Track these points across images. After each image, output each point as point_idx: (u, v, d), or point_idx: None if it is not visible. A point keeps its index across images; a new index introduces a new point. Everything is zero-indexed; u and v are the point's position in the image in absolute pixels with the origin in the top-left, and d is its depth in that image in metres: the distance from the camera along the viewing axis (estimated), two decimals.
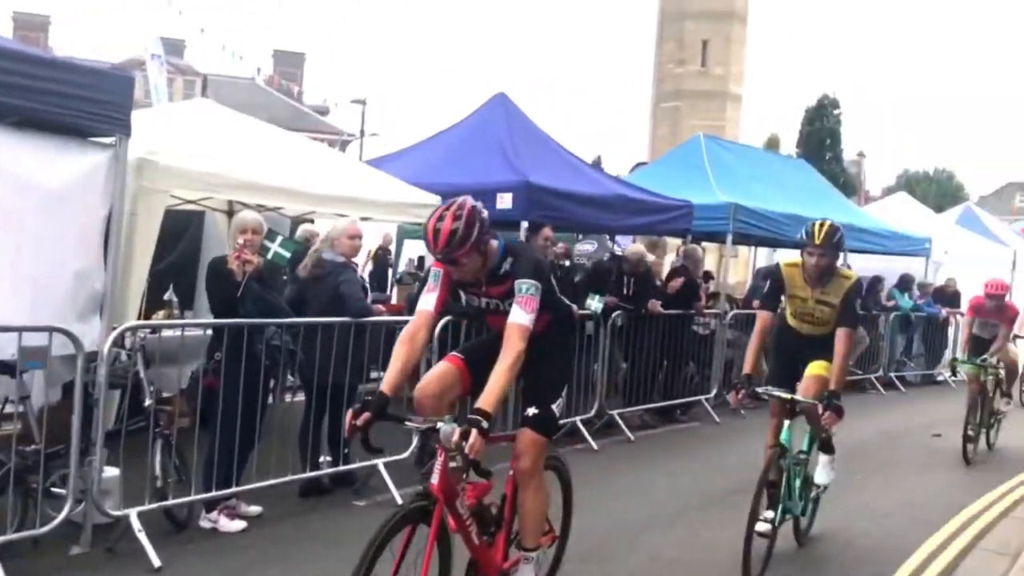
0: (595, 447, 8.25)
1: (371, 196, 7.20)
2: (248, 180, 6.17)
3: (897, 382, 14.19)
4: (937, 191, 65.71)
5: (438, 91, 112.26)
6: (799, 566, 5.53)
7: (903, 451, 9.36)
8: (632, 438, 8.78)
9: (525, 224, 8.25)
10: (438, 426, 3.43)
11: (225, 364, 5.34)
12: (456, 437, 3.35)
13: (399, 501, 6.10)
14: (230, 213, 8.39)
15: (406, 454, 6.68)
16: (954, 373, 11.27)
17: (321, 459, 6.24)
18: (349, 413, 3.54)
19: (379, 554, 3.28)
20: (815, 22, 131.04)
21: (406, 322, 7.01)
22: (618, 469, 7.70)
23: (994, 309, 9.06)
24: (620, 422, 8.91)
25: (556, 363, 4.12)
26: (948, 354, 14.92)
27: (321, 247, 6.19)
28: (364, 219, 6.99)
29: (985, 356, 9.05)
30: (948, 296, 15.34)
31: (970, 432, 8.85)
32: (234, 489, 5.54)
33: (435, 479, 3.50)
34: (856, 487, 7.57)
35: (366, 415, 3.48)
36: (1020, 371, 11.56)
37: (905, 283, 14.82)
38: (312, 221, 8.40)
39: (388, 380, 3.67)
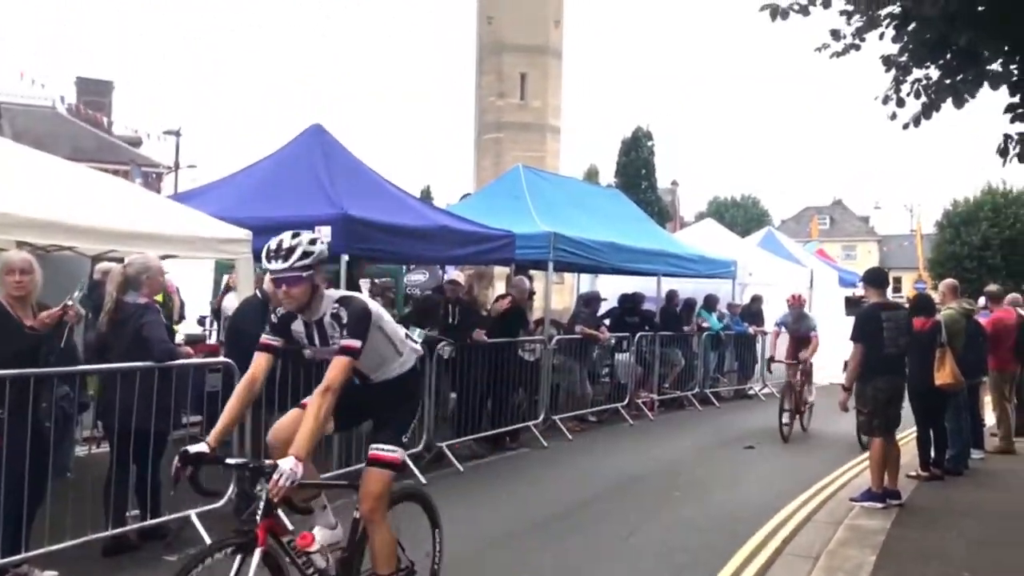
0: (424, 481, 8.15)
1: (175, 232, 6.82)
2: (36, 218, 5.70)
3: (712, 398, 14.96)
4: (744, 216, 70.60)
5: (258, 122, 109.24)
6: None
7: (719, 464, 9.85)
8: (462, 469, 8.75)
9: (346, 257, 8.10)
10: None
11: (9, 419, 4.88)
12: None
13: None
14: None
15: (222, 502, 6.32)
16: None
17: (128, 513, 5.81)
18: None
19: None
20: (629, 58, 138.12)
21: (222, 365, 6.85)
22: (446, 501, 7.55)
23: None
24: (449, 454, 8.87)
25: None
26: (758, 368, 16.03)
27: (116, 289, 5.79)
28: (165, 257, 6.62)
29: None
30: (754, 314, 16.40)
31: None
32: (25, 554, 5.06)
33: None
34: (674, 503, 7.89)
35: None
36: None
37: (710, 303, 15.72)
38: (120, 260, 7.89)
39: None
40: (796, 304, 12.47)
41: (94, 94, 44.62)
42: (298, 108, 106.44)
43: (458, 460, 8.87)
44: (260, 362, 3.93)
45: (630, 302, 13.84)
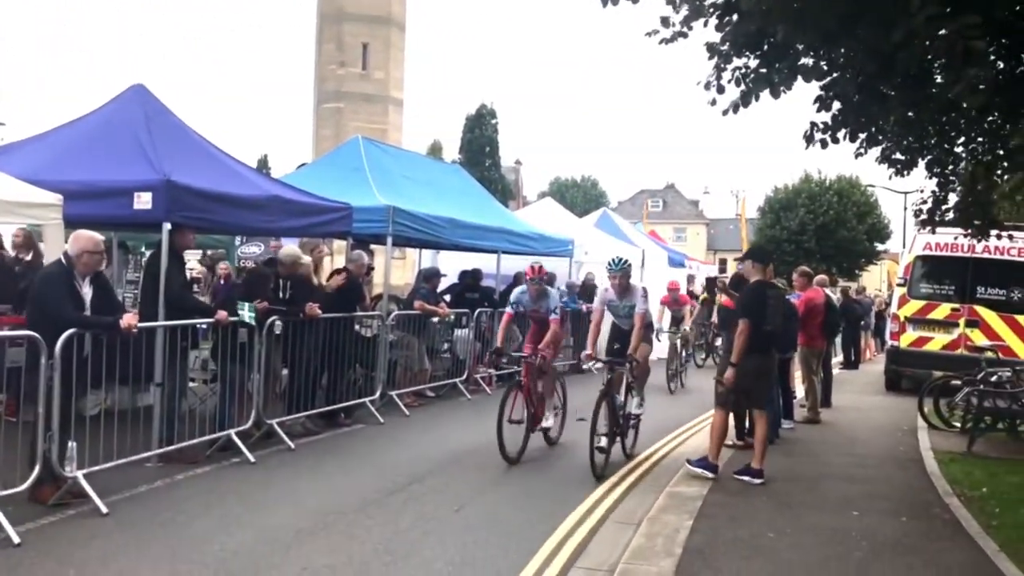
0: (252, 459, 7.90)
1: None
2: None
3: None
4: (584, 197, 72.65)
5: (77, 82, 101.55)
6: (452, 546, 5.69)
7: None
8: (293, 446, 8.53)
9: (168, 226, 7.66)
10: None
11: None
12: None
13: (15, 540, 5.37)
14: None
15: (24, 486, 5.88)
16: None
17: None
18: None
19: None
20: (474, 34, 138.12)
21: (20, 338, 6.31)
22: (275, 480, 7.44)
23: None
24: (279, 431, 8.63)
25: None
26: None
27: None
28: None
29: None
30: (588, 291, 16.86)
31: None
32: None
33: None
34: (508, 474, 8.03)
35: None
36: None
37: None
38: None
39: None
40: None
41: None
42: (120, 73, 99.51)
43: (290, 437, 8.65)
44: None
45: (470, 278, 13.92)
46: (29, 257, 9.86)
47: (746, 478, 7.70)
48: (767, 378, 8.03)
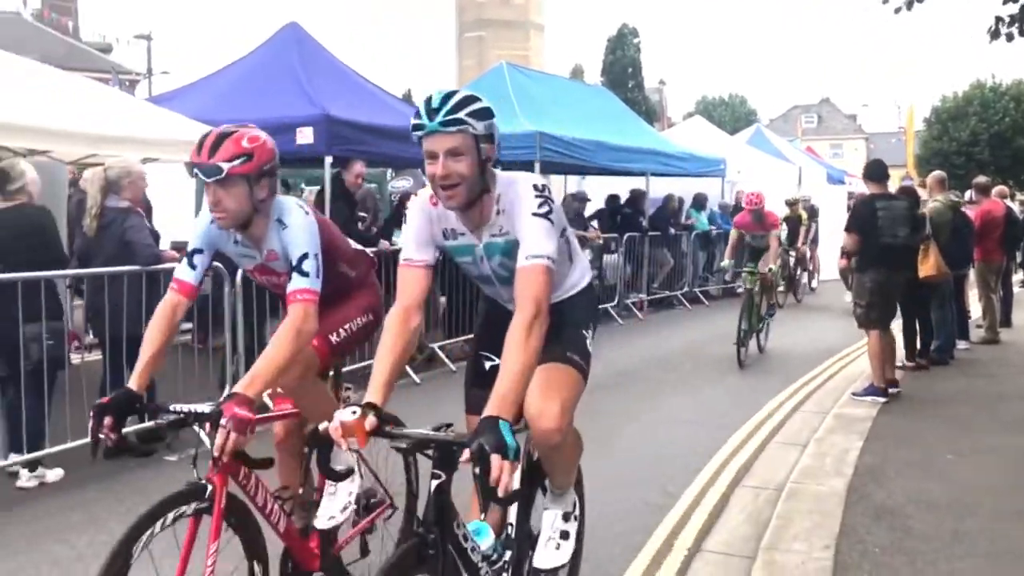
0: (417, 380, 8.25)
1: (154, 135, 6.67)
2: (8, 122, 5.53)
3: (701, 296, 15.07)
4: (732, 115, 69.83)
5: (232, 24, 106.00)
6: (607, 478, 5.77)
7: (708, 361, 9.96)
8: (455, 369, 8.83)
9: (329, 159, 7.96)
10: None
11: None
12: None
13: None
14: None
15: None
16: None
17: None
18: None
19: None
20: None
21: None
22: (441, 399, 7.71)
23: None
24: (441, 354, 8.93)
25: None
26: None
27: (99, 193, 5.69)
28: (148, 160, 6.49)
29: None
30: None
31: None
32: (28, 455, 5.16)
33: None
34: (665, 397, 8.02)
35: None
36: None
37: (699, 202, 15.68)
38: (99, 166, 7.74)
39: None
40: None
41: None
42: (269, 11, 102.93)
43: (450, 360, 8.94)
44: None
45: (629, 203, 13.78)
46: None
47: (869, 398, 7.41)
48: (889, 295, 7.60)
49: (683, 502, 5.20)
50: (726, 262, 10.84)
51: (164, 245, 6.88)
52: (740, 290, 15.19)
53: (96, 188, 5.70)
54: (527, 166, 11.96)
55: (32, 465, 5.28)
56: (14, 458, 5.20)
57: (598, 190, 15.08)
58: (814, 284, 17.50)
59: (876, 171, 8.03)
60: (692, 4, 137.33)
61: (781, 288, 13.29)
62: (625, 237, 12.90)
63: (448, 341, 9.28)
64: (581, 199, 12.91)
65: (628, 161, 13.27)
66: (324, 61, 9.23)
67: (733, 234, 10.95)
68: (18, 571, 4.17)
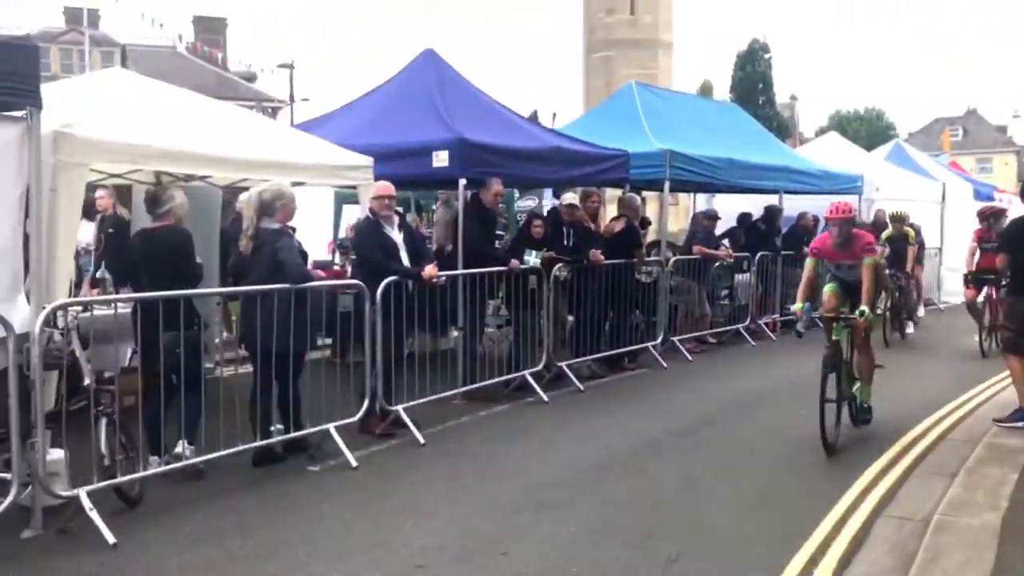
0: (545, 399, 8.32)
1: (302, 160, 7.04)
2: (173, 149, 5.95)
3: None
4: (868, 130, 67.15)
5: (368, 51, 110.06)
6: (742, 500, 5.65)
7: None
8: (582, 388, 8.86)
9: (463, 181, 8.19)
10: None
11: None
12: None
13: (353, 463, 6.10)
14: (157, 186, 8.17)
15: (356, 417, 6.66)
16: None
17: (272, 427, 6.18)
18: None
19: None
20: None
21: (349, 286, 7.14)
22: (569, 418, 7.79)
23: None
24: (569, 373, 8.98)
25: None
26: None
27: (254, 214, 6.06)
28: (296, 184, 6.85)
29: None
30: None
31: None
32: (184, 462, 5.52)
33: None
34: (800, 420, 7.79)
35: None
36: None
37: None
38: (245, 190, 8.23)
39: None
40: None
41: (210, 31, 45.97)
42: (403, 38, 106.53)
43: (578, 380, 8.98)
44: None
45: (764, 219, 13.49)
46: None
47: (1014, 424, 6.99)
48: None
49: (821, 530, 5.04)
50: (797, 305, 6.93)
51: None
52: (880, 311, 14.60)
53: (252, 210, 6.07)
54: (655, 185, 11.95)
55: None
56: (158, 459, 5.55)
57: (729, 208, 14.80)
58: (920, 313, 14.45)
59: None
60: (824, 17, 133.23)
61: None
62: (757, 256, 12.62)
63: (576, 360, 9.31)
64: (711, 217, 12.72)
65: (759, 179, 12.98)
66: (459, 85, 9.51)
67: (808, 265, 7.25)
68: (178, 570, 4.46)
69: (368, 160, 7.64)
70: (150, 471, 5.34)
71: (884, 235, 12.63)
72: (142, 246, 6.00)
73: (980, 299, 10.84)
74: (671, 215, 14.77)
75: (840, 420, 6.72)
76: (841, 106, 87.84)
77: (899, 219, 12.89)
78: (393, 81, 9.83)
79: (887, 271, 11.59)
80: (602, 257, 9.31)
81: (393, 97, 9.42)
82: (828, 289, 7.23)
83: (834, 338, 6.68)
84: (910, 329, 13.12)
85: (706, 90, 51.41)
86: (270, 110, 39.01)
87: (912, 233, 13.12)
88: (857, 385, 7.13)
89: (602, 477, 6.07)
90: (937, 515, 5.08)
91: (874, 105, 73.71)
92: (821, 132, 49.39)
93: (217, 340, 7.30)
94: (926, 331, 13.70)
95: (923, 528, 4.90)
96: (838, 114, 74.71)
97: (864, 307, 6.65)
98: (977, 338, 11.09)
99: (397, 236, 7.15)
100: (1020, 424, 7.00)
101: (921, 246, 14.34)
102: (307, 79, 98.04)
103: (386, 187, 7.18)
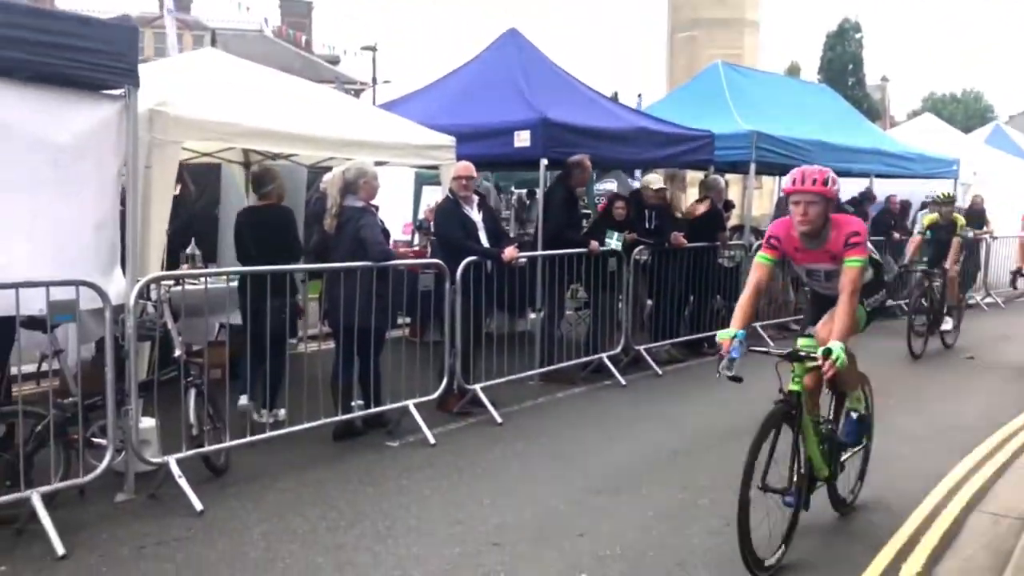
0: (623, 382, 8.26)
1: (386, 139, 7.11)
2: (262, 128, 6.11)
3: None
4: (964, 112, 64.36)
5: (449, 33, 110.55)
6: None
7: (935, 375, 9.27)
8: (660, 372, 8.76)
9: (545, 161, 8.14)
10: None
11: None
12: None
13: (431, 440, 6.16)
14: (247, 164, 8.37)
15: (435, 395, 6.73)
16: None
17: (353, 402, 6.28)
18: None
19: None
20: None
21: (429, 265, 7.20)
22: (647, 401, 7.71)
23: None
24: (647, 357, 8.88)
25: None
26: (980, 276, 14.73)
27: (338, 193, 6.15)
28: (379, 163, 6.91)
29: None
30: (976, 215, 15.02)
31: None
32: (269, 434, 5.66)
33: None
34: (889, 411, 7.52)
35: None
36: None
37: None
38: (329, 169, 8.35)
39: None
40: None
41: (295, 15, 46.85)
42: (487, 20, 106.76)
43: (656, 364, 8.87)
44: None
45: (852, 203, 13.06)
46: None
47: None
48: None
49: (910, 524, 4.87)
50: (725, 332, 4.50)
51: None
52: (973, 301, 13.92)
53: (336, 189, 6.16)
54: (739, 168, 11.68)
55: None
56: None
57: None
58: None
59: None
60: None
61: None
62: None
63: (654, 344, 9.20)
64: None
65: (849, 161, 12.54)
66: (542, 65, 9.45)
67: (758, 266, 4.67)
68: (262, 538, 4.58)
69: (450, 140, 7.66)
70: (243, 440, 5.51)
71: (926, 221, 10.62)
72: (248, 222, 6.41)
73: None
74: (755, 198, 14.41)
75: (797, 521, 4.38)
76: (935, 88, 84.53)
77: (947, 202, 10.60)
78: (476, 61, 9.83)
79: (924, 269, 10.33)
80: (684, 240, 9.16)
81: (476, 77, 9.42)
82: None
83: (792, 388, 4.49)
84: (947, 325, 10.79)
85: (794, 71, 50.06)
86: (353, 92, 39.55)
87: (962, 221, 10.81)
88: (846, 455, 4.99)
89: (680, 462, 5.99)
90: None
91: (972, 86, 70.46)
92: (914, 115, 47.60)
93: (302, 318, 7.45)
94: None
95: (1021, 525, 4.69)
96: (932, 96, 71.87)
97: (835, 344, 4.16)
98: None
99: (477, 216, 7.16)
100: None
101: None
102: (389, 62, 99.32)
103: (466, 167, 7.18)
